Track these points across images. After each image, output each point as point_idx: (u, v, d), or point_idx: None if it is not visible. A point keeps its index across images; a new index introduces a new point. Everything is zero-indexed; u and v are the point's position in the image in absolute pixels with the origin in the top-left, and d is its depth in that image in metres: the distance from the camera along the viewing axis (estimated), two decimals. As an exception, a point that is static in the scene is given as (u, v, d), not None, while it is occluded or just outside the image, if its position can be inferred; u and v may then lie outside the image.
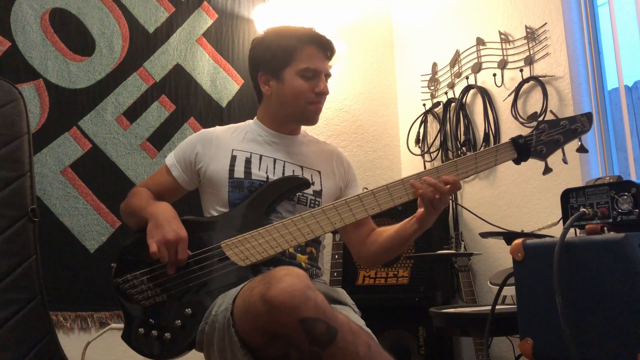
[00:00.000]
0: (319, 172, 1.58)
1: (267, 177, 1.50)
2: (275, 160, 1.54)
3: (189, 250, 1.36)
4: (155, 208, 1.42)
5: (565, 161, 1.37)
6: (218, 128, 1.62)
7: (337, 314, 1.09)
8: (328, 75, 1.57)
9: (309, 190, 1.52)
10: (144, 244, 1.35)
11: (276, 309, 1.04)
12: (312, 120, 1.57)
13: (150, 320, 1.32)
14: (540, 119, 2.29)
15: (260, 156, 1.53)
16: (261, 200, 1.43)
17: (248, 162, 1.51)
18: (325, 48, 1.54)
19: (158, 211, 1.40)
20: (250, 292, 1.12)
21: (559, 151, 1.35)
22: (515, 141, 1.35)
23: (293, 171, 1.54)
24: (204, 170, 1.52)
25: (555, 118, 1.36)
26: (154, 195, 1.56)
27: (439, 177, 1.35)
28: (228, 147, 1.54)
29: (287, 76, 1.51)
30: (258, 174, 1.50)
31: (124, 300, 1.37)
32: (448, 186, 1.34)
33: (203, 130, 1.61)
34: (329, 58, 1.57)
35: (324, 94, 1.53)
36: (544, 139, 1.34)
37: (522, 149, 1.34)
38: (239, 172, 1.49)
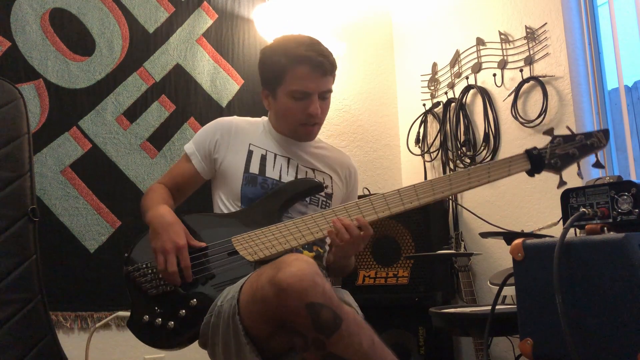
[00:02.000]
0: (330, 176, 1.62)
1: (280, 177, 1.53)
2: (289, 160, 1.57)
3: (201, 242, 1.38)
4: (153, 213, 1.42)
5: (580, 176, 1.37)
6: (236, 118, 1.64)
7: (343, 304, 1.11)
8: (326, 92, 1.52)
9: (321, 192, 1.56)
10: None
11: (284, 291, 1.05)
12: (305, 138, 1.60)
13: (156, 308, 1.33)
14: (541, 118, 2.29)
15: (275, 155, 1.56)
16: (276, 199, 1.46)
17: (263, 158, 1.54)
18: (318, 67, 1.47)
19: (156, 218, 1.40)
20: (259, 277, 1.13)
21: (574, 165, 1.35)
22: (530, 153, 1.34)
23: (306, 173, 1.57)
24: (221, 160, 1.55)
25: (571, 133, 1.36)
26: (171, 187, 1.58)
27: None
28: (245, 141, 1.56)
29: (280, 95, 1.51)
30: (272, 172, 1.53)
31: (133, 288, 1.39)
32: (362, 232, 1.32)
33: (222, 119, 1.62)
34: (327, 74, 1.50)
35: (314, 115, 1.50)
36: (558, 152, 1.33)
37: (535, 161, 1.34)
38: (254, 168, 1.53)
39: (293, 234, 1.36)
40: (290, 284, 1.05)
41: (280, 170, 1.54)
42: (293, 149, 1.60)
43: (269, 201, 1.46)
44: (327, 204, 1.56)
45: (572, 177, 1.93)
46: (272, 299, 1.07)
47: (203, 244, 1.38)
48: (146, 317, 1.33)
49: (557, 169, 1.34)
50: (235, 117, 1.65)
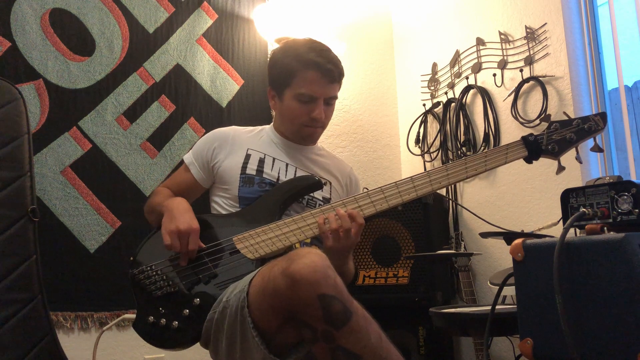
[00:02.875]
0: (330, 182, 1.63)
1: (278, 178, 1.54)
2: (287, 165, 1.58)
3: (202, 243, 1.39)
4: (170, 202, 1.47)
5: (579, 160, 1.36)
6: (235, 127, 1.67)
7: (353, 299, 1.11)
8: (332, 98, 1.55)
9: (319, 196, 1.56)
10: (161, 238, 1.41)
11: (297, 282, 1.06)
12: (308, 141, 1.62)
13: (161, 309, 1.35)
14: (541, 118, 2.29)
15: (274, 159, 1.57)
16: (274, 198, 1.47)
17: (261, 161, 1.56)
18: (327, 74, 1.51)
19: (172, 205, 1.45)
20: (271, 269, 1.14)
21: (573, 150, 1.34)
22: (526, 139, 1.34)
23: None
24: (219, 166, 1.57)
25: (568, 118, 1.34)
26: (174, 194, 1.60)
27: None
28: (243, 146, 1.58)
29: (286, 97, 1.54)
30: (270, 173, 1.54)
31: (138, 290, 1.41)
32: (353, 222, 1.33)
33: (220, 129, 1.65)
34: (334, 81, 1.54)
35: (317, 119, 1.53)
36: (555, 137, 1.33)
37: (532, 147, 1.33)
38: (252, 169, 1.54)
39: (292, 230, 1.37)
40: (303, 275, 1.05)
41: (279, 172, 1.55)
42: (293, 154, 1.61)
43: (268, 199, 1.47)
44: None
45: (572, 177, 1.91)
46: (284, 290, 1.08)
47: (203, 245, 1.40)
48: (151, 318, 1.35)
49: (555, 154, 1.33)
50: (234, 126, 1.67)
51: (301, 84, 1.50)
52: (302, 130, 1.56)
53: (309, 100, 1.51)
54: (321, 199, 1.57)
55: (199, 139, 1.65)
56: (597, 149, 1.35)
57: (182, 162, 1.66)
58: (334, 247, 1.36)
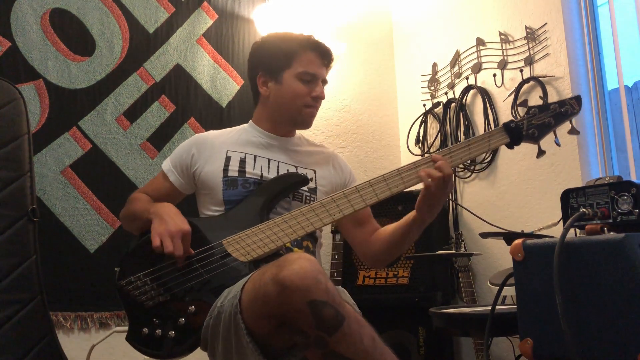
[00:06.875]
0: (314, 170, 1.61)
1: (261, 176, 1.52)
2: (269, 160, 1.56)
3: (191, 249, 1.36)
4: (158, 207, 1.43)
5: (557, 143, 1.40)
6: (212, 132, 1.66)
7: (345, 303, 1.11)
8: (325, 81, 1.61)
9: (305, 187, 1.54)
10: (147, 246, 1.36)
11: (287, 289, 1.05)
12: (306, 123, 1.61)
13: (154, 320, 1.32)
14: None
15: (255, 156, 1.56)
16: (261, 197, 1.45)
17: (242, 162, 1.54)
18: (324, 56, 1.58)
19: (161, 210, 1.42)
20: (262, 276, 1.13)
21: (552, 134, 1.39)
22: (507, 125, 1.38)
23: (287, 170, 1.56)
24: (199, 172, 1.55)
25: (544, 103, 1.39)
26: (152, 200, 1.57)
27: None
28: (222, 149, 1.56)
29: (286, 78, 1.55)
30: (252, 172, 1.52)
31: (128, 302, 1.37)
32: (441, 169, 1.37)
33: (197, 135, 1.65)
34: (327, 66, 1.61)
35: (320, 98, 1.57)
36: (535, 122, 1.37)
37: (514, 133, 1.37)
38: (233, 171, 1.52)
39: (284, 230, 1.35)
40: (293, 282, 1.05)
41: (261, 169, 1.53)
42: (275, 148, 1.59)
43: (254, 199, 1.45)
44: (312, 199, 1.55)
45: (572, 177, 1.91)
46: (274, 297, 1.07)
47: (192, 252, 1.37)
48: (145, 330, 1.31)
49: (535, 139, 1.37)
50: (211, 131, 1.67)
51: (303, 64, 1.54)
52: (303, 111, 1.56)
53: (311, 78, 1.55)
54: (307, 190, 1.55)
55: (177, 147, 1.63)
56: (573, 131, 1.40)
57: None
58: (430, 201, 1.42)
